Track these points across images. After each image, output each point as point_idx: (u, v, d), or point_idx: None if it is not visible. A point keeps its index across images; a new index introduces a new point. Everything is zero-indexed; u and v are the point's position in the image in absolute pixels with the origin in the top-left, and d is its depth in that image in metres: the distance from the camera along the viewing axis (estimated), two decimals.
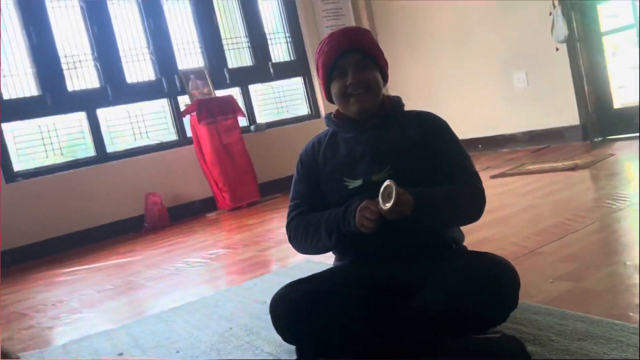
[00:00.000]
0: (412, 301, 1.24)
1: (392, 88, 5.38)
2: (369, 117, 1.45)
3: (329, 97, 1.49)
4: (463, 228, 1.51)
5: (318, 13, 5.37)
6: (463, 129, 4.80)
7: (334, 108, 1.53)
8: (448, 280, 1.19)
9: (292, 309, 1.25)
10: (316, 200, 1.46)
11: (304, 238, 1.41)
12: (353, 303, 1.26)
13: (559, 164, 3.39)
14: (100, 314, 2.26)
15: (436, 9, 4.93)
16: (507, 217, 2.45)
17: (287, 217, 1.48)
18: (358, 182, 1.39)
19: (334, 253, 1.50)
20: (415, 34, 5.19)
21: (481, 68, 4.73)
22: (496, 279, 1.18)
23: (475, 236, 2.16)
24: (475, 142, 4.81)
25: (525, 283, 1.56)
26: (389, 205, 1.20)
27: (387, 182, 1.23)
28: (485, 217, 1.42)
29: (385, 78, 1.48)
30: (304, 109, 5.45)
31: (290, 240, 1.46)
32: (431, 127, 1.44)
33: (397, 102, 1.50)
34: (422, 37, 5.14)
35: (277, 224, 3.51)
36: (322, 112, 5.22)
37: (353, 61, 1.39)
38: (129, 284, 2.67)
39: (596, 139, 3.90)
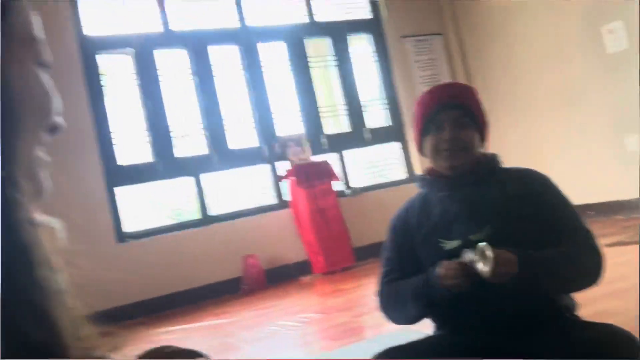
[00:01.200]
0: None
1: (491, 149, 5.23)
2: (464, 173, 1.38)
3: (421, 150, 1.45)
4: (576, 298, 1.37)
5: (415, 79, 5.42)
6: (572, 194, 4.52)
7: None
8: (565, 356, 1.06)
9: None
10: (408, 267, 1.40)
11: (393, 307, 1.37)
12: None
13: None
14: None
15: (539, 68, 4.80)
16: (628, 289, 2.21)
17: (379, 285, 1.43)
18: (456, 243, 1.31)
19: (432, 321, 1.41)
20: (517, 93, 5.05)
21: (589, 131, 4.48)
22: (618, 355, 1.04)
23: (593, 307, 1.95)
24: (586, 208, 4.49)
25: None
26: (488, 268, 1.12)
27: (480, 245, 1.15)
28: (602, 288, 1.28)
29: (484, 138, 1.42)
30: (400, 174, 5.42)
31: (382, 309, 1.41)
32: (534, 182, 1.36)
33: (493, 158, 1.43)
34: (523, 96, 5.00)
35: (371, 289, 3.39)
36: None
37: (452, 117, 1.35)
38: (223, 346, 2.68)
39: None
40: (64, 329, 0.44)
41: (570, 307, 1.33)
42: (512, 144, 5.11)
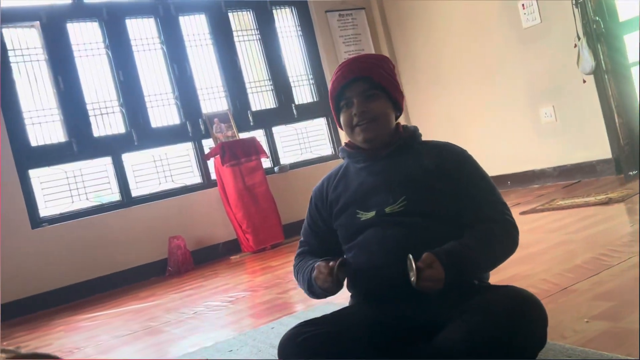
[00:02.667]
0: (432, 341, 1.15)
1: (414, 122, 5.35)
2: (382, 146, 1.39)
3: (340, 126, 1.44)
4: None
5: (340, 54, 5.41)
6: (490, 166, 4.67)
7: None
8: (468, 317, 1.09)
9: (300, 351, 1.16)
10: (317, 240, 1.47)
11: (299, 282, 1.42)
12: (367, 345, 1.17)
13: (592, 199, 3.25)
14: None
15: (460, 42, 4.91)
16: (538, 253, 2.33)
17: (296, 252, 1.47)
18: (371, 214, 1.32)
19: (348, 290, 1.42)
20: (438, 66, 5.16)
21: (507, 103, 4.64)
22: (519, 313, 1.08)
23: (504, 274, 2.04)
24: (504, 179, 4.68)
25: (558, 323, 1.45)
26: (414, 279, 1.14)
27: (409, 256, 1.16)
28: (514, 254, 1.33)
29: (398, 108, 1.42)
30: (327, 149, 5.44)
31: (295, 279, 1.46)
32: (450, 157, 1.37)
33: (413, 131, 1.43)
34: (445, 69, 5.11)
35: None
36: None
37: (358, 91, 1.35)
38: (146, 329, 2.61)
39: (630, 172, 3.74)
40: None
41: (481, 276, 1.37)
42: (434, 115, 5.25)
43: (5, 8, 4.18)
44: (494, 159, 4.69)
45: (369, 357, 1.15)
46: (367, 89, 1.35)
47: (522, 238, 1.34)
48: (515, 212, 3.35)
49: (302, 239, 1.52)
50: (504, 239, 1.28)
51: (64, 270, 4.02)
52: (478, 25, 4.71)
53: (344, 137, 5.34)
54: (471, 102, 4.94)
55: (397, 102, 1.41)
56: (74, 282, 4.04)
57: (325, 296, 1.35)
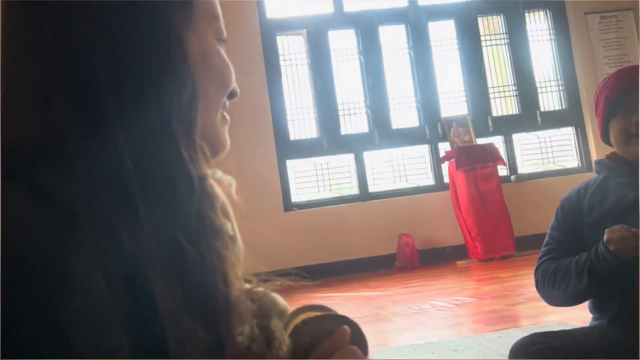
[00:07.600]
0: None
1: None
2: None
3: (604, 137, 1.37)
4: None
5: (597, 59, 4.97)
6: None
7: None
8: None
9: None
10: (573, 249, 1.34)
11: (551, 283, 1.31)
12: None
13: None
14: None
15: None
16: None
17: (537, 262, 1.40)
18: None
19: (591, 312, 1.35)
20: None
21: None
22: None
23: None
24: None
25: None
26: None
27: None
28: None
29: None
30: (573, 162, 5.05)
31: (537, 286, 1.38)
32: None
33: None
34: None
35: (531, 280, 3.28)
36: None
37: None
38: (375, 316, 2.80)
39: None
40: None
41: None
42: None
43: (278, 19, 4.83)
44: None
45: None
46: None
47: None
48: None
49: (550, 247, 1.39)
50: None
51: (306, 251, 4.49)
52: None
53: (594, 150, 4.90)
54: None
55: None
56: (313, 262, 4.49)
57: (590, 288, 1.24)
